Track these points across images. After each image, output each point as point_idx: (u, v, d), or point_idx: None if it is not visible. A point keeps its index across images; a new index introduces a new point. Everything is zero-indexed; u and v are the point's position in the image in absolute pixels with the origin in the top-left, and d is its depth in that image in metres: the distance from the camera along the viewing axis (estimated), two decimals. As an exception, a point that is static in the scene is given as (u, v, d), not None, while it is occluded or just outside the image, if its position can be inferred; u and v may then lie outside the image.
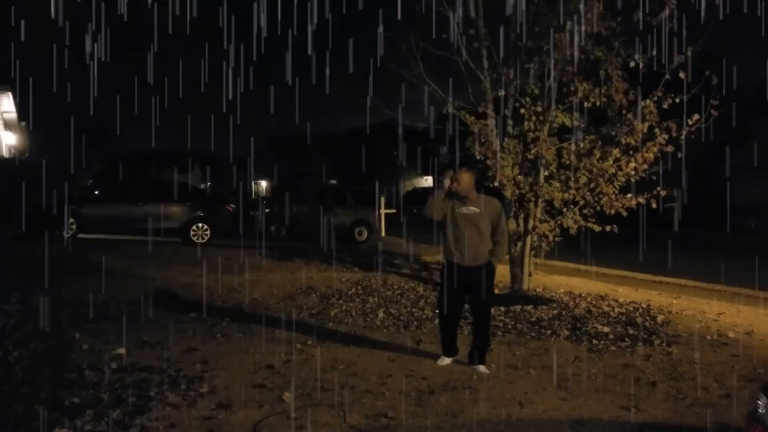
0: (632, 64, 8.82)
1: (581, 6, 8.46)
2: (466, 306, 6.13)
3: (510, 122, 9.39)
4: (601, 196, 9.12)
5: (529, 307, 8.54)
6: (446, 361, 5.88)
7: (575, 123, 9.26)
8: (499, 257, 5.83)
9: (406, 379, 5.39)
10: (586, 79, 8.99)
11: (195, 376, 5.38)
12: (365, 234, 19.79)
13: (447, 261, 5.80)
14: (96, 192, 19.31)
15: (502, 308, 8.43)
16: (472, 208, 5.69)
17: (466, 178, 5.66)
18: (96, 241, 15.02)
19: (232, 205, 18.49)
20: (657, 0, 8.57)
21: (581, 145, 9.13)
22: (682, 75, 8.67)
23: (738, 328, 7.56)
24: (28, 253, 10.69)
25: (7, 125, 20.66)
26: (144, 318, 7.60)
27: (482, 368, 5.70)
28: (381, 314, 8.21)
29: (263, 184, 56.83)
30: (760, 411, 2.86)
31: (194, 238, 16.53)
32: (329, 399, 4.87)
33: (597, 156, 9.05)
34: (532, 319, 7.94)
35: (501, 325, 7.62)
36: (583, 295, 9.73)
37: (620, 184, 9.12)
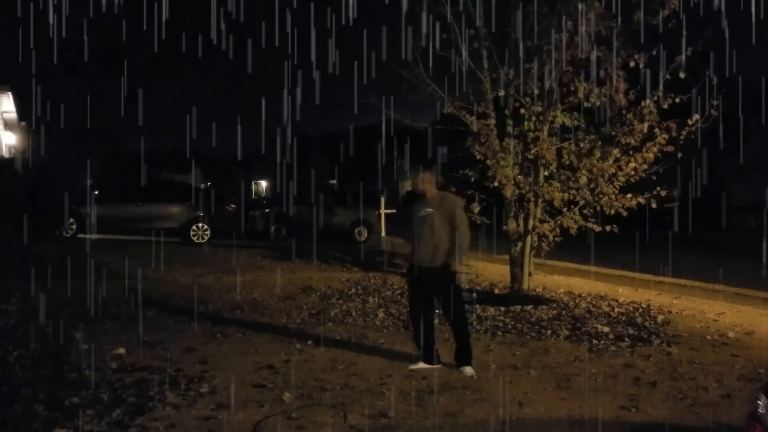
0: (632, 64, 8.82)
1: (581, 6, 8.46)
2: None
3: (510, 122, 9.39)
4: (601, 196, 9.11)
5: (529, 307, 8.54)
6: (420, 365, 5.64)
7: (575, 123, 9.26)
8: (455, 257, 5.52)
9: (406, 379, 5.39)
10: (586, 79, 8.98)
11: (195, 376, 5.38)
12: (365, 234, 19.80)
13: (409, 263, 5.86)
14: (96, 192, 19.33)
15: (502, 308, 8.44)
16: (427, 209, 5.67)
17: (424, 179, 5.72)
18: (96, 241, 15.02)
19: (232, 205, 18.51)
20: (657, 0, 8.57)
21: (581, 145, 9.13)
22: (682, 75, 8.67)
23: (738, 328, 7.55)
24: (28, 253, 10.69)
25: (7, 125, 20.65)
26: (144, 318, 7.59)
27: (468, 370, 5.55)
28: (381, 314, 8.21)
29: (263, 184, 56.78)
30: (760, 411, 2.86)
31: (194, 238, 16.54)
32: (329, 399, 4.87)
33: (597, 156, 9.05)
34: (532, 319, 7.93)
35: (501, 325, 7.63)
36: (583, 295, 9.73)
37: (620, 184, 9.12)
